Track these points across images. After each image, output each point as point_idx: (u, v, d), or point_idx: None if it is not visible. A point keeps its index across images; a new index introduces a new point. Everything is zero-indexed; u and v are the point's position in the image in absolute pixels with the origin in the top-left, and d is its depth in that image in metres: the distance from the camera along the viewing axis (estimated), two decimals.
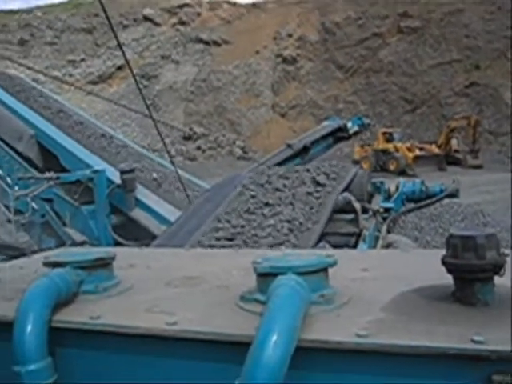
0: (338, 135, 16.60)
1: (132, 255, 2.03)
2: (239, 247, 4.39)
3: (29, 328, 1.27)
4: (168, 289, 1.56)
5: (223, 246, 4.49)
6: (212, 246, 4.65)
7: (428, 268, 1.58)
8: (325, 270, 1.30)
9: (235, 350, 1.14)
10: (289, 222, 6.21)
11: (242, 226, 5.81)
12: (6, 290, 1.69)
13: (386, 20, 47.44)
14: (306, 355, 1.09)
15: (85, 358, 1.34)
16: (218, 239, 5.86)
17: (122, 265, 1.70)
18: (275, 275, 1.23)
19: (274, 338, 1.02)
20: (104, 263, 1.55)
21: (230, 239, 5.71)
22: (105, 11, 3.12)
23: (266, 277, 1.26)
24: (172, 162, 8.62)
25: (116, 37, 3.83)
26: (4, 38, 52.44)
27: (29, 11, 56.88)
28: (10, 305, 1.48)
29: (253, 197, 6.54)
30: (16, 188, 13.17)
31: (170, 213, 10.21)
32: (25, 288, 1.62)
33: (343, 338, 1.08)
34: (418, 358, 1.04)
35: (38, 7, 57.85)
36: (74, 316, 1.35)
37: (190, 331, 1.18)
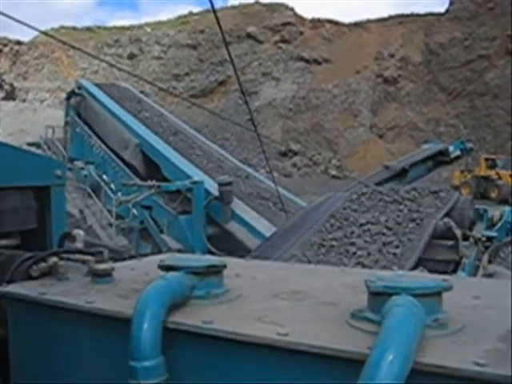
0: (439, 159, 16.14)
1: (237, 265, 2.07)
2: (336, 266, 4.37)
3: (145, 326, 1.32)
4: (276, 300, 1.58)
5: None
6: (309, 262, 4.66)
7: None
8: (439, 293, 1.27)
9: (347, 366, 1.13)
10: (385, 244, 6.10)
11: (334, 246, 5.77)
12: (121, 288, 1.78)
13: (493, 42, 45.71)
14: (420, 378, 1.07)
15: (195, 361, 1.38)
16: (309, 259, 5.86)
17: (229, 274, 1.74)
18: (389, 295, 1.22)
19: (390, 357, 1.01)
20: (216, 270, 1.59)
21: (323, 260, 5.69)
22: (220, 26, 3.24)
23: (380, 296, 1.25)
24: (273, 180, 8.69)
25: (228, 52, 3.94)
26: (115, 52, 55.33)
27: (139, 27, 59.71)
28: (126, 302, 1.56)
29: (350, 217, 6.49)
30: (119, 194, 13.81)
31: (266, 228, 10.34)
32: (137, 288, 1.70)
33: (461, 364, 1.05)
34: None
35: (148, 24, 60.61)
36: (187, 319, 1.39)
37: (303, 344, 1.19)
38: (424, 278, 1.36)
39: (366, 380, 1.00)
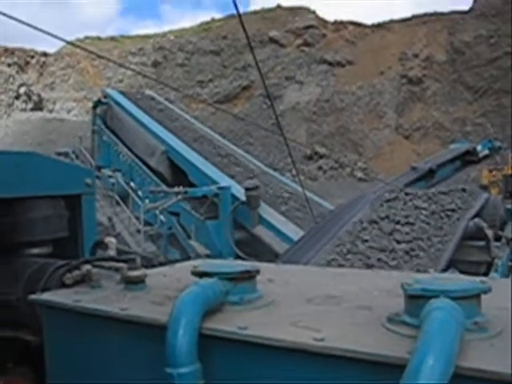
0: (467, 159, 15.96)
1: (269, 270, 2.06)
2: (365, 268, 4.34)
3: (181, 333, 1.32)
4: (310, 305, 1.56)
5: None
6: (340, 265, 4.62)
7: None
8: (478, 296, 1.25)
9: (385, 371, 1.11)
10: (415, 246, 6.03)
11: (367, 248, 5.73)
12: (155, 295, 1.79)
13: None
14: (461, 382, 1.05)
15: (230, 367, 1.37)
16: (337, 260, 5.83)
17: (261, 279, 1.73)
18: (427, 298, 1.20)
19: (431, 361, 0.99)
20: (249, 276, 1.58)
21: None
22: (245, 30, 3.25)
23: (417, 299, 1.23)
24: (301, 184, 8.66)
25: (254, 55, 3.95)
26: (139, 60, 55.88)
27: (162, 35, 60.24)
28: (160, 309, 1.56)
29: (379, 219, 6.44)
30: (146, 201, 13.92)
31: (293, 231, 10.32)
32: (171, 295, 1.71)
33: (502, 368, 1.03)
34: None
35: (171, 31, 61.11)
36: (222, 325, 1.39)
37: (339, 349, 1.18)
38: (462, 280, 1.34)
39: None
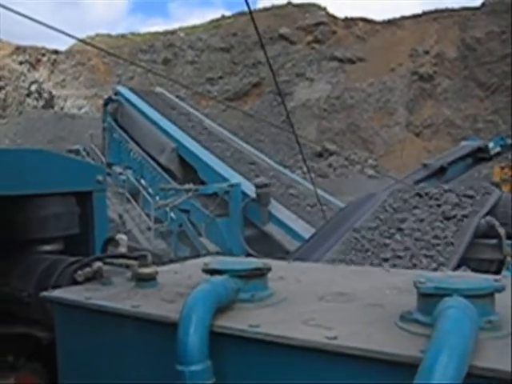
0: (479, 156, 15.86)
1: (280, 268, 2.06)
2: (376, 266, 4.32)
3: (192, 330, 1.32)
4: (321, 303, 1.56)
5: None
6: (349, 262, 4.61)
7: None
8: (492, 294, 1.24)
9: (398, 370, 1.11)
10: (425, 244, 6.01)
11: (378, 245, 5.71)
12: (166, 292, 1.78)
13: None
14: (474, 382, 1.04)
15: (242, 365, 1.37)
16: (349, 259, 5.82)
17: (273, 277, 1.72)
18: (440, 296, 1.19)
19: (445, 360, 0.98)
20: (261, 273, 1.58)
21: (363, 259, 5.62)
22: (255, 27, 3.24)
23: (430, 298, 1.22)
24: (311, 181, 8.63)
25: (265, 52, 3.94)
26: (150, 58, 55.98)
27: (173, 32, 60.31)
28: (171, 307, 1.56)
29: (390, 216, 6.42)
30: (157, 198, 13.95)
31: (304, 229, 10.31)
32: (182, 292, 1.70)
33: None
34: None
35: (181, 28, 61.19)
36: (233, 323, 1.39)
37: (352, 347, 1.17)
38: (475, 279, 1.33)
39: None
